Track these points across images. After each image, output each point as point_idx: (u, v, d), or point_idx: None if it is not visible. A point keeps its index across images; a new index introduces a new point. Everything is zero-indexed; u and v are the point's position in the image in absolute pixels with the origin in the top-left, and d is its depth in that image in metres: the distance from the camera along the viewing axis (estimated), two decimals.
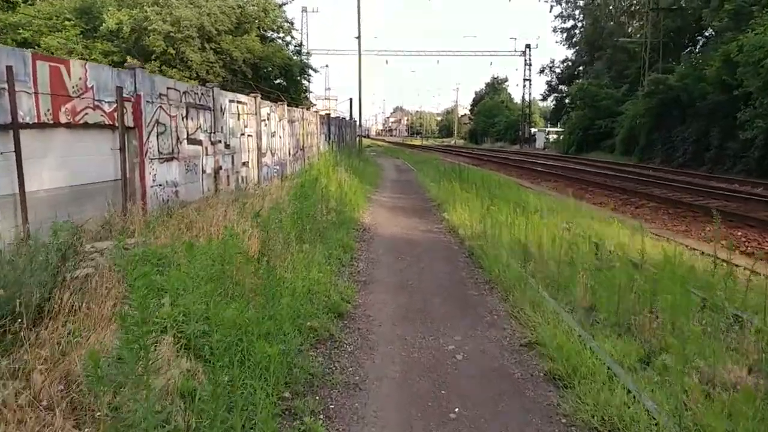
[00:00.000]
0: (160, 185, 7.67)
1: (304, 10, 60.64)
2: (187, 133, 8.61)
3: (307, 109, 31.13)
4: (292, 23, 32.23)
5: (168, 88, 7.91)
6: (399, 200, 15.36)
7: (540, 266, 7.13)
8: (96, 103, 6.07)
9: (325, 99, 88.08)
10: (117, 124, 6.50)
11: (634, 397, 3.40)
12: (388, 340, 4.79)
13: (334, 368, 4.09)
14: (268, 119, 13.49)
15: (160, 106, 7.63)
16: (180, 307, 3.38)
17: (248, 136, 11.85)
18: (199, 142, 9.10)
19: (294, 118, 16.90)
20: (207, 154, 9.41)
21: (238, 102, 11.17)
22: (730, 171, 23.44)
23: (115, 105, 6.40)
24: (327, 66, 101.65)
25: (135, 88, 6.87)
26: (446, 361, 4.35)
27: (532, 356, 4.46)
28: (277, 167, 14.43)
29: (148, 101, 7.21)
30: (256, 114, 12.30)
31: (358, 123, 37.11)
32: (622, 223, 10.92)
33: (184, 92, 8.52)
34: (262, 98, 14.76)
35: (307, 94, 53.81)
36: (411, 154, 43.69)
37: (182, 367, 2.86)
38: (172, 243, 5.28)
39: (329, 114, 24.96)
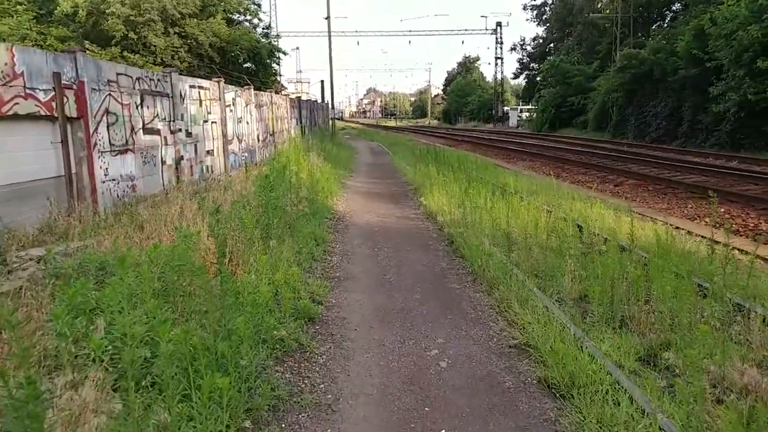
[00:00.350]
0: (114, 180, 7.06)
1: None
2: (143, 123, 7.97)
3: (277, 92, 30.27)
4: (259, 5, 31.26)
5: (118, 74, 7.25)
6: (374, 185, 14.87)
7: (524, 254, 6.75)
8: (28, 91, 5.42)
9: (297, 82, 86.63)
10: (57, 115, 5.86)
11: (644, 411, 3.02)
12: (365, 347, 4.34)
13: (303, 386, 3.62)
14: (233, 104, 12.82)
15: (110, 94, 6.98)
16: (117, 330, 2.88)
17: (212, 123, 11.19)
18: (157, 132, 8.46)
19: (262, 103, 16.21)
20: (166, 144, 8.78)
21: (200, 87, 10.50)
22: (703, 145, 23.45)
23: (52, 93, 5.75)
24: (297, 48, 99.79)
25: (77, 74, 6.21)
26: (429, 370, 3.93)
27: (523, 360, 4.06)
28: (246, 154, 13.79)
29: (94, 88, 6.56)
30: (220, 99, 11.63)
31: (330, 105, 36.26)
32: (603, 203, 10.64)
33: (138, 78, 7.85)
34: (229, 83, 14.12)
35: (277, 77, 52.63)
36: (385, 136, 43.10)
37: (112, 409, 2.37)
38: (119, 248, 4.72)
39: (300, 97, 24.19)
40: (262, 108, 16.22)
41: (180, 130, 9.26)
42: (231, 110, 12.60)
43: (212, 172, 11.04)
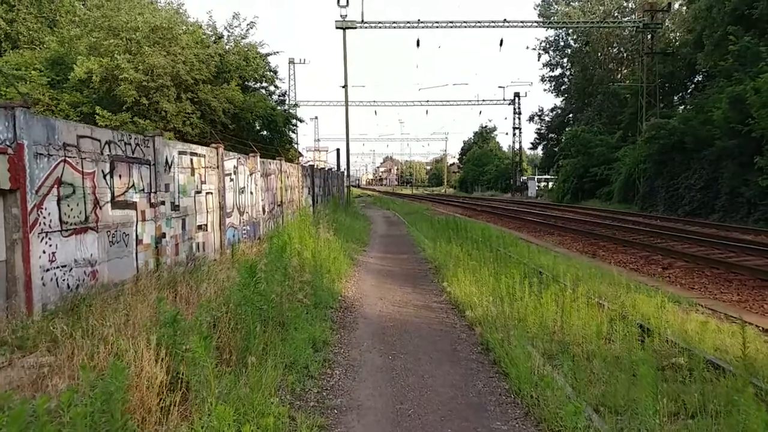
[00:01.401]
0: (65, 267, 5.62)
1: (291, 61, 59.96)
2: (113, 195, 6.62)
3: (291, 160, 29.46)
4: (275, 72, 30.95)
5: (80, 137, 5.96)
6: (389, 262, 13.32)
7: (586, 373, 5.09)
8: None
9: (315, 150, 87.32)
10: None
11: None
12: None
13: None
14: (234, 173, 11.57)
15: (65, 160, 5.66)
16: None
17: (207, 193, 9.88)
18: (132, 205, 7.10)
19: (270, 171, 15.04)
20: (144, 220, 7.39)
21: (193, 154, 9.25)
22: (746, 220, 21.72)
23: None
24: (316, 118, 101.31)
25: (15, 134, 4.90)
26: None
27: None
28: (248, 228, 12.42)
29: (40, 153, 5.24)
30: (218, 167, 10.38)
31: (346, 173, 35.34)
32: (658, 291, 8.98)
33: (109, 142, 6.57)
34: (243, 151, 13.02)
35: (294, 145, 52.58)
36: (402, 205, 41.98)
37: None
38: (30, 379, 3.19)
39: (312, 165, 23.16)
40: (270, 177, 15.02)
41: (163, 202, 7.90)
42: (232, 179, 11.34)
43: (204, 250, 9.61)
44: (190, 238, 9.05)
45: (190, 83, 24.66)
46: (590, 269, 11.26)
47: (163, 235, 7.87)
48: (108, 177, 6.51)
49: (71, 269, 5.72)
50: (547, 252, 13.85)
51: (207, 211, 9.87)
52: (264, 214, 14.06)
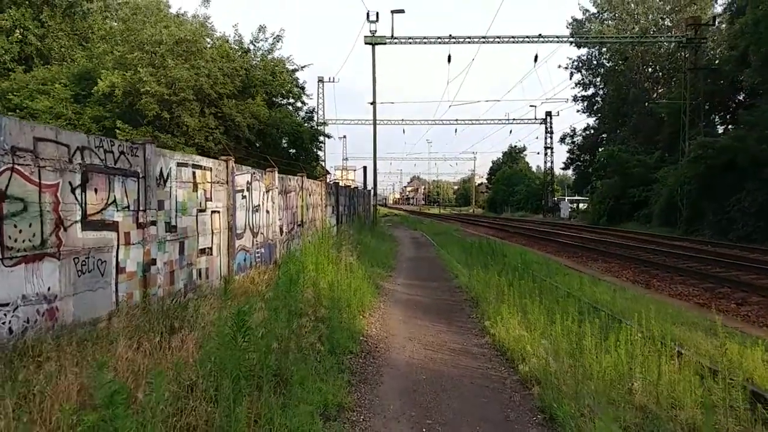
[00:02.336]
0: (4, 306, 4.38)
1: (321, 80, 59.48)
2: (84, 213, 5.40)
3: (317, 177, 28.34)
4: (303, 88, 30.02)
5: (38, 139, 4.76)
6: (419, 290, 11.90)
7: None
8: None
9: (344, 169, 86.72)
10: None
11: None
12: None
13: None
14: (248, 189, 10.36)
15: (13, 168, 4.46)
16: None
17: (213, 212, 8.66)
18: (111, 226, 5.88)
19: (290, 188, 13.83)
20: (128, 243, 6.16)
21: (196, 166, 8.05)
22: None
23: None
24: (345, 137, 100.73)
25: None
26: None
27: None
28: (262, 250, 11.17)
29: None
30: (227, 183, 9.17)
31: (372, 192, 34.07)
32: (748, 338, 7.43)
33: (81, 148, 5.37)
34: (266, 167, 11.91)
35: (320, 162, 51.66)
36: (430, 225, 40.50)
37: None
38: None
39: (338, 183, 21.96)
40: (290, 194, 13.81)
41: (154, 222, 6.67)
42: (244, 196, 10.13)
43: (208, 277, 8.35)
44: (190, 264, 7.80)
45: (214, 97, 23.85)
46: (650, 304, 9.70)
47: (153, 262, 6.62)
48: (78, 191, 5.29)
49: (16, 308, 4.47)
50: (596, 282, 12.26)
51: (212, 233, 8.63)
52: (282, 235, 12.81)
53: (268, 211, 11.74)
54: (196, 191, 8.05)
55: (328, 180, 27.14)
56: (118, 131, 21.89)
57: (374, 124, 29.54)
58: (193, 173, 7.95)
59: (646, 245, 22.11)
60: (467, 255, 17.55)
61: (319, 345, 6.01)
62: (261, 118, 25.15)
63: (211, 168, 8.59)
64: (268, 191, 11.76)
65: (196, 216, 8.04)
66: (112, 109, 24.03)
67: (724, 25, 42.61)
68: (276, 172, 12.41)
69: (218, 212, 8.88)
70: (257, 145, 25.65)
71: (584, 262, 18.17)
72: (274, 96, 28.52)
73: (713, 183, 27.27)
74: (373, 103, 30.21)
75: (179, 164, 7.49)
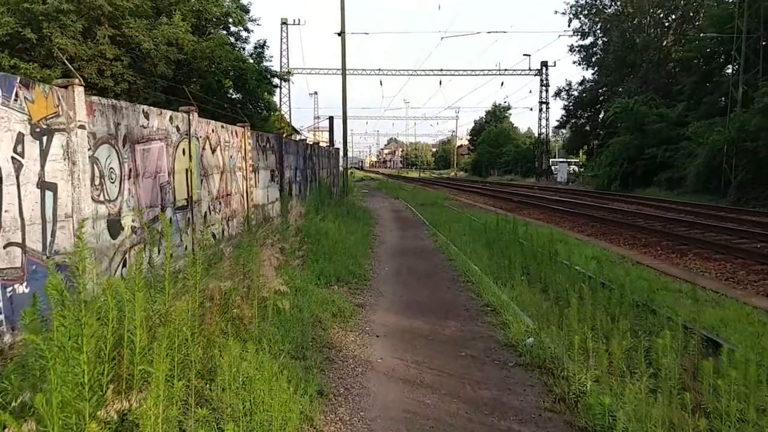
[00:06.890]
0: None
1: (284, 22, 51.28)
2: None
3: (289, 135, 21.25)
4: (247, 11, 22.52)
5: None
6: (423, 355, 5.41)
7: None
8: None
9: (315, 129, 78.82)
10: None
11: None
12: None
13: None
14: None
15: None
16: None
17: None
18: None
19: (148, 136, 6.89)
20: None
21: None
22: None
23: None
24: (316, 93, 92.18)
25: None
26: None
27: None
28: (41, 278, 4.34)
29: None
30: None
31: (342, 151, 26.91)
32: None
33: None
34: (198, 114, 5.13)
35: (282, 115, 44.02)
36: (412, 192, 33.91)
37: None
38: None
39: (282, 134, 14.80)
40: (151, 147, 6.90)
41: None
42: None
43: None
44: None
45: (108, 12, 16.44)
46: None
47: None
48: None
49: None
50: (712, 303, 5.86)
51: None
52: (129, 234, 5.98)
53: (74, 184, 4.89)
54: None
55: (294, 139, 19.99)
56: None
57: (343, 61, 22.43)
58: None
59: (696, 219, 15.68)
60: (483, 247, 11.05)
61: None
62: (183, 45, 17.91)
63: None
64: (69, 135, 4.88)
65: None
66: None
67: None
68: (85, 93, 5.50)
69: None
70: (184, 85, 18.22)
71: (617, 243, 11.87)
72: (207, 21, 21.16)
73: None
74: (342, 33, 23.03)
75: None
